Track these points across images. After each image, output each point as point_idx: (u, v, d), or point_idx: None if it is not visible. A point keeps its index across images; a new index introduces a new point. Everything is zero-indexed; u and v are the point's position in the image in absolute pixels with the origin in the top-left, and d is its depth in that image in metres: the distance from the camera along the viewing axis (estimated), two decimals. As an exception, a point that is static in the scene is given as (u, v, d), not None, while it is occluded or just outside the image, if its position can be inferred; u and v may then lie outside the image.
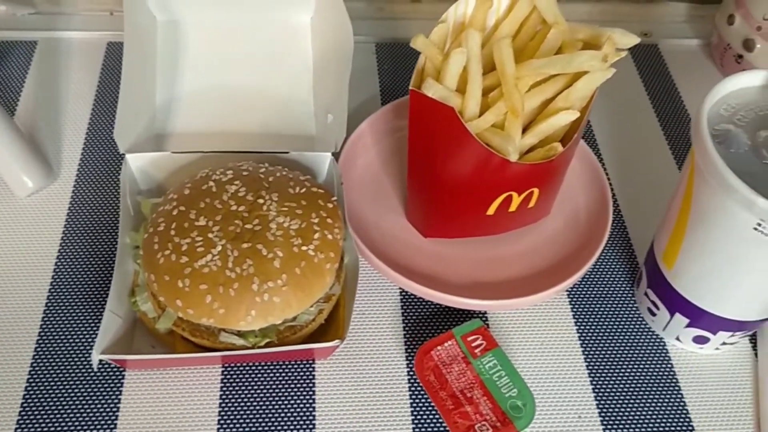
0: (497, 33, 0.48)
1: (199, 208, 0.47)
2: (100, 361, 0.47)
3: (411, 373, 0.49)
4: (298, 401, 0.48)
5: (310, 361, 0.50)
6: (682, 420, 0.48)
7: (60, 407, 0.47)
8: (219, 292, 0.44)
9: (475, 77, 0.45)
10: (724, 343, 0.49)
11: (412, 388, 0.48)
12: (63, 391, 0.47)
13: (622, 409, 0.48)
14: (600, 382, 0.49)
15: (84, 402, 0.47)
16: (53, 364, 0.49)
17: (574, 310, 0.53)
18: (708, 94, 0.42)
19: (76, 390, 0.48)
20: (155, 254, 0.46)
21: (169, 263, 0.45)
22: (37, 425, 0.46)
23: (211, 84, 0.60)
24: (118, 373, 0.48)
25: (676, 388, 0.49)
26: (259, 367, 0.49)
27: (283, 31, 0.61)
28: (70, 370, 0.48)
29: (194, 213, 0.47)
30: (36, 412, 0.46)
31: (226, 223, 0.46)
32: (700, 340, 0.49)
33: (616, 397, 0.49)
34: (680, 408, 0.48)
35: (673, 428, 0.47)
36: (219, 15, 0.61)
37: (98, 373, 0.48)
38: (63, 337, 0.50)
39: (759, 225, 0.38)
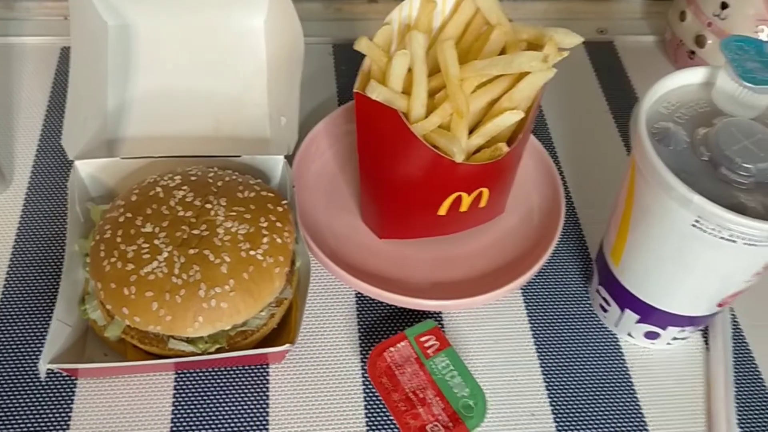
0: (442, 35, 0.48)
1: (146, 214, 0.47)
2: (51, 370, 0.47)
3: (365, 375, 0.49)
4: (252, 406, 0.48)
5: (264, 366, 0.50)
6: (635, 415, 0.48)
7: (10, 417, 0.46)
8: (165, 299, 0.44)
9: (420, 79, 0.45)
10: (675, 338, 0.49)
11: (366, 390, 0.48)
12: (13, 401, 0.47)
13: (576, 406, 0.48)
14: (553, 379, 0.49)
15: (35, 411, 0.47)
16: (3, 374, 0.48)
17: (529, 307, 0.53)
18: (647, 93, 0.42)
19: (26, 400, 0.47)
20: (101, 262, 0.46)
21: (115, 271, 0.45)
22: (-16, 437, 0.46)
23: (163, 88, 0.60)
24: (69, 382, 0.48)
25: (629, 383, 0.49)
26: (213, 373, 0.49)
27: (236, 34, 0.61)
28: (21, 380, 0.48)
29: (141, 219, 0.47)
30: (-16, 425, 0.46)
31: (172, 229, 0.46)
32: (651, 336, 0.49)
33: (569, 394, 0.49)
34: (633, 403, 0.49)
35: (626, 424, 0.48)
36: (172, 19, 0.60)
37: (49, 382, 0.48)
38: (14, 346, 0.49)
39: (697, 222, 0.38)
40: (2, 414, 0.46)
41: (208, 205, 0.47)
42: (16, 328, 0.50)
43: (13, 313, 0.51)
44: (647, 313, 0.47)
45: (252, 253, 0.46)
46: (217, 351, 0.46)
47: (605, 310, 0.51)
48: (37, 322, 0.51)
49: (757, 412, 0.48)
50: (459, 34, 0.48)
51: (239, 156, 0.55)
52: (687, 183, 0.38)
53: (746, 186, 0.38)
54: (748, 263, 0.40)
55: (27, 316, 0.51)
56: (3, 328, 0.50)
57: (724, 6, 0.62)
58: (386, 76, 0.46)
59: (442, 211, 0.50)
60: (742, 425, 0.48)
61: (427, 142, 0.44)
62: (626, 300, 0.48)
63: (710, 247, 0.39)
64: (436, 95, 0.46)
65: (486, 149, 0.47)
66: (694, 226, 0.39)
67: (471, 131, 0.47)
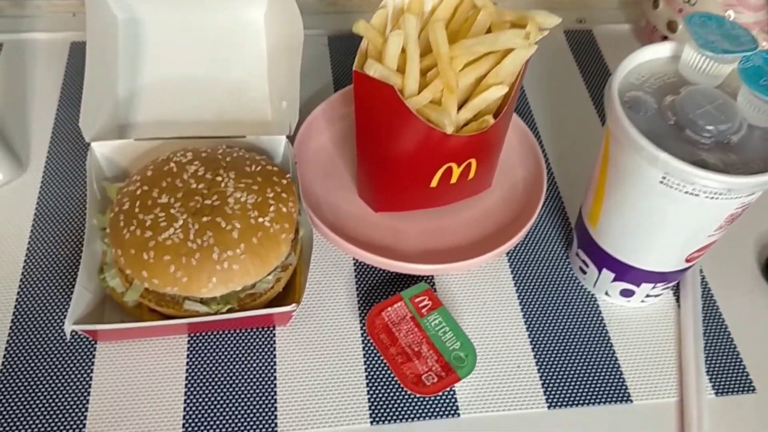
0: (433, 17, 0.52)
1: (161, 187, 0.51)
2: (73, 332, 0.51)
3: (364, 334, 0.53)
4: (260, 365, 0.51)
5: (271, 328, 0.53)
6: (612, 368, 0.52)
7: (35, 379, 0.50)
8: (182, 262, 0.47)
9: (413, 57, 0.49)
10: (648, 296, 0.54)
11: (365, 348, 0.52)
12: (38, 363, 0.50)
13: (558, 360, 0.52)
14: (537, 336, 0.53)
15: (58, 373, 0.50)
16: (28, 338, 0.52)
17: (514, 272, 0.57)
18: (620, 65, 0.46)
19: (50, 362, 0.51)
20: (121, 230, 0.49)
21: (134, 238, 0.48)
22: (13, 395, 0.49)
23: (170, 76, 0.63)
24: (90, 346, 0.52)
25: (607, 338, 0.54)
26: (223, 336, 0.53)
27: (238, 26, 0.65)
28: (45, 344, 0.51)
29: (156, 191, 0.50)
30: (12, 384, 0.49)
31: (186, 199, 0.50)
32: (626, 294, 0.54)
33: (552, 349, 0.53)
34: (610, 357, 0.53)
35: (604, 376, 0.52)
36: (177, 13, 0.64)
37: (71, 346, 0.51)
38: (37, 314, 0.53)
39: (664, 178, 0.43)
40: (28, 376, 0.50)
41: (219, 178, 0.51)
42: (37, 297, 0.54)
43: (34, 283, 0.55)
44: (622, 271, 0.52)
45: (260, 220, 0.50)
46: (229, 311, 0.50)
47: (584, 272, 0.55)
48: (57, 292, 0.54)
49: (724, 362, 0.53)
50: (448, 17, 0.52)
51: (244, 136, 0.58)
52: (655, 144, 0.42)
53: (708, 146, 0.43)
54: (711, 217, 0.44)
55: (48, 285, 0.54)
56: (25, 298, 0.54)
57: (694, -7, 0.66)
58: (382, 55, 0.49)
59: (434, 183, 0.54)
60: (711, 374, 0.52)
61: (419, 116, 0.48)
62: (603, 260, 0.52)
63: (677, 202, 0.43)
64: (428, 73, 0.50)
65: (474, 122, 0.51)
66: (661, 182, 0.43)
67: (460, 106, 0.51)
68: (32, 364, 0.50)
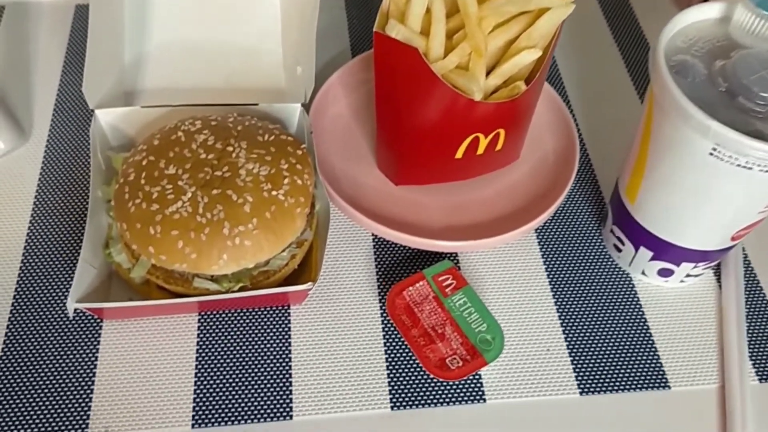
0: (459, -25, 0.48)
1: (169, 157, 0.48)
2: (77, 310, 0.48)
3: (384, 314, 0.50)
4: (274, 347, 0.49)
5: (285, 308, 0.51)
6: (649, 352, 0.49)
7: (38, 358, 0.47)
8: (190, 237, 0.45)
9: (439, 17, 0.46)
10: (688, 275, 0.50)
11: (386, 329, 0.50)
12: (41, 341, 0.48)
13: (590, 343, 0.49)
14: (568, 318, 0.50)
15: (62, 352, 0.48)
16: (31, 316, 0.49)
17: (543, 249, 0.54)
18: (665, 26, 0.43)
19: (54, 341, 0.48)
20: (126, 203, 0.46)
21: (140, 211, 0.46)
22: (15, 375, 0.47)
23: (178, 40, 0.60)
24: (95, 324, 0.49)
25: (643, 321, 0.50)
26: (235, 315, 0.50)
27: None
28: (49, 321, 0.49)
29: (163, 162, 0.47)
30: (14, 363, 0.47)
31: (195, 170, 0.47)
32: (664, 273, 0.50)
33: (583, 332, 0.50)
34: (647, 341, 0.49)
35: (640, 361, 0.49)
36: (187, -28, 0.61)
37: (76, 324, 0.49)
38: (40, 289, 0.51)
39: (714, 150, 0.39)
40: (31, 355, 0.48)
41: (230, 148, 0.48)
42: (40, 272, 0.51)
43: (36, 258, 0.52)
44: (662, 249, 0.48)
45: (274, 193, 0.47)
46: (241, 290, 0.47)
47: (619, 250, 0.52)
48: (60, 267, 0.52)
49: (768, 346, 0.50)
50: (476, -25, 0.48)
51: (256, 104, 0.55)
52: (705, 112, 0.38)
53: (763, 114, 0.39)
54: (763, 191, 0.41)
55: (50, 260, 0.52)
56: (28, 273, 0.51)
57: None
58: (405, 16, 0.46)
59: (459, 154, 0.51)
60: (754, 359, 0.49)
61: (445, 81, 0.45)
62: (641, 238, 0.49)
63: (727, 176, 0.40)
64: (455, 36, 0.47)
65: (504, 89, 0.47)
66: (711, 154, 0.39)
67: (489, 72, 0.47)
68: (35, 343, 0.48)
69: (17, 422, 0.45)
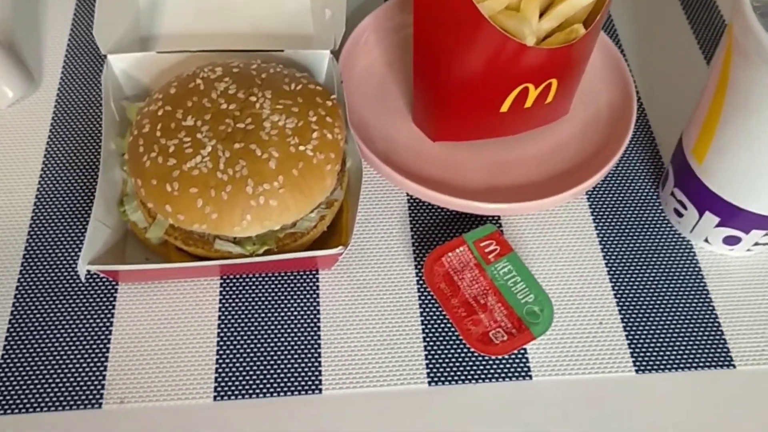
0: None
1: (187, 107, 0.44)
2: (90, 273, 0.45)
3: (420, 281, 0.46)
4: (302, 315, 0.45)
5: (314, 272, 0.47)
6: (711, 326, 0.45)
7: (49, 324, 0.44)
8: (211, 195, 0.41)
9: (487, -47, 0.41)
10: (756, 244, 0.46)
11: (422, 297, 0.46)
12: (53, 305, 0.45)
13: (647, 317, 0.45)
14: (622, 288, 0.46)
15: (74, 318, 0.45)
16: (41, 278, 0.46)
17: (594, 213, 0.50)
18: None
19: (65, 306, 0.45)
20: (140, 157, 0.43)
21: (155, 166, 0.42)
22: (26, 341, 0.44)
23: (198, -20, 0.56)
24: (110, 288, 0.46)
25: (704, 292, 0.46)
26: (259, 280, 0.46)
27: None
28: (60, 284, 0.46)
29: (181, 113, 0.44)
30: (24, 330, 0.44)
31: (215, 122, 0.43)
32: (731, 241, 0.46)
33: (640, 303, 0.46)
34: (709, 313, 0.45)
35: (700, 335, 0.45)
36: None
37: (89, 286, 0.46)
38: (51, 250, 0.47)
39: (807, 103, 0.34)
40: (42, 322, 0.45)
41: (253, 98, 0.44)
42: (51, 230, 0.48)
43: (47, 215, 0.49)
44: (730, 215, 0.44)
45: (301, 148, 0.43)
46: (266, 253, 0.43)
47: (680, 215, 0.47)
48: (73, 225, 0.48)
49: (844, 323, 0.45)
50: None
51: (282, 50, 0.51)
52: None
53: None
54: None
55: (62, 218, 0.49)
56: (38, 232, 0.48)
57: None
58: (450, -51, 0.41)
59: (505, 107, 0.46)
60: (829, 337, 0.45)
61: (494, 23, 0.40)
62: (707, 201, 0.44)
63: (818, 133, 0.35)
64: (504, -27, 0.42)
65: (558, 33, 0.42)
66: (802, 107, 0.34)
67: (542, 14, 0.43)
68: (46, 308, 0.45)
69: (28, 395, 0.42)
